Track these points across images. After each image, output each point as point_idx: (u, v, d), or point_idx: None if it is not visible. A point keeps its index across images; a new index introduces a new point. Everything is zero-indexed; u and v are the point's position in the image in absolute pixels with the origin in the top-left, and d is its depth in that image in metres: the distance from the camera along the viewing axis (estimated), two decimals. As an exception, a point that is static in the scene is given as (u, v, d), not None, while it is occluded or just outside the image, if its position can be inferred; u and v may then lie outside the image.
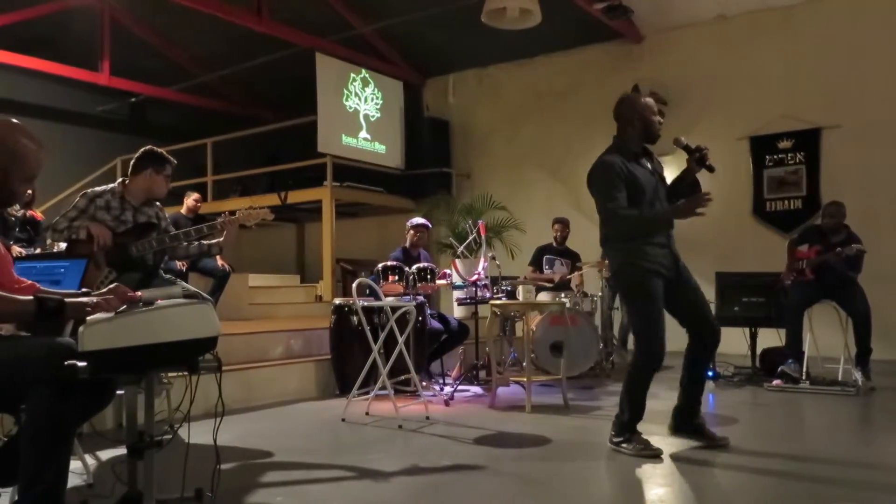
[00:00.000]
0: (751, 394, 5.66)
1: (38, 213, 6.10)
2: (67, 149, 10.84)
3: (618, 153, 3.69)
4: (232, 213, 4.22)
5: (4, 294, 2.18)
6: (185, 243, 4.13)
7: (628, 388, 3.68)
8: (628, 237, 3.62)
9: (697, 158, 3.74)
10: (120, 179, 4.12)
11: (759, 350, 6.48)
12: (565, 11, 8.55)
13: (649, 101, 3.82)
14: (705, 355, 3.92)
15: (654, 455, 3.53)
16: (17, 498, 2.10)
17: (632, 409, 3.64)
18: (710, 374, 6.28)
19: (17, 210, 5.83)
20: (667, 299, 3.65)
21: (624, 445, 3.61)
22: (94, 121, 12.07)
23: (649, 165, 3.77)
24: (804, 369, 5.81)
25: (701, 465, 3.47)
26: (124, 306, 2.22)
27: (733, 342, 6.58)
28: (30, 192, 5.84)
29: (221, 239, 4.16)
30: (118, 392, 2.66)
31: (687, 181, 3.86)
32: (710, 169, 3.75)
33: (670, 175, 3.93)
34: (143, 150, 4.13)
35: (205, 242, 4.18)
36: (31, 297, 2.17)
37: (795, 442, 4.12)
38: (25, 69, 10.10)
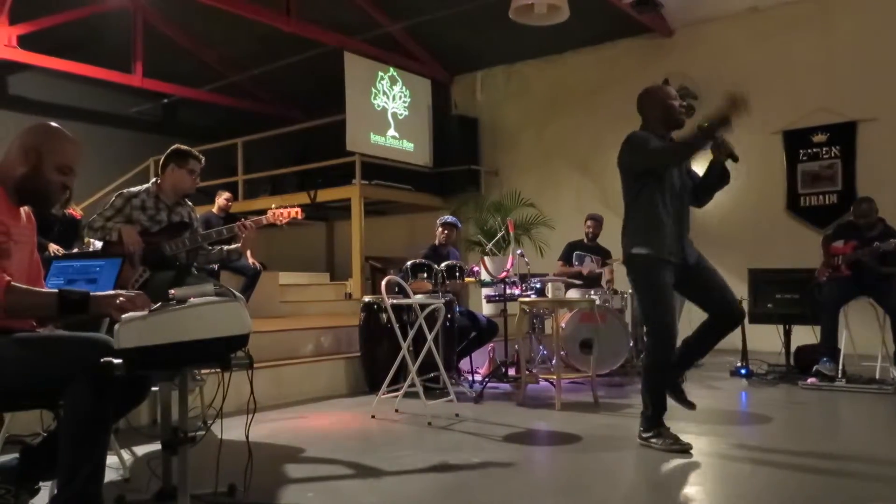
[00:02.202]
0: (785, 392, 5.58)
1: (76, 212, 6.19)
2: (102, 150, 11.07)
3: (649, 132, 3.73)
4: (260, 212, 4.26)
5: (27, 287, 2.23)
6: (207, 251, 4.18)
7: (647, 381, 3.68)
8: (670, 157, 3.60)
9: (720, 145, 3.67)
10: (153, 179, 4.18)
11: (793, 347, 6.38)
12: (594, 6, 8.48)
13: (668, 88, 3.88)
14: (717, 336, 3.77)
15: (684, 450, 3.51)
16: (56, 491, 2.15)
17: (654, 403, 3.64)
18: (742, 371, 6.22)
19: (56, 209, 5.93)
20: (680, 285, 3.66)
21: (654, 441, 3.61)
22: (127, 122, 12.30)
23: None
24: (840, 367, 5.71)
25: (732, 462, 3.43)
26: (159, 304, 2.26)
27: (767, 339, 6.51)
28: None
29: (239, 245, 4.20)
30: (153, 388, 2.71)
31: (715, 173, 3.77)
32: (735, 158, 3.70)
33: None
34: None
35: (224, 248, 4.24)
36: (54, 291, 2.23)
37: (831, 441, 4.05)
38: (61, 72, 10.32)
